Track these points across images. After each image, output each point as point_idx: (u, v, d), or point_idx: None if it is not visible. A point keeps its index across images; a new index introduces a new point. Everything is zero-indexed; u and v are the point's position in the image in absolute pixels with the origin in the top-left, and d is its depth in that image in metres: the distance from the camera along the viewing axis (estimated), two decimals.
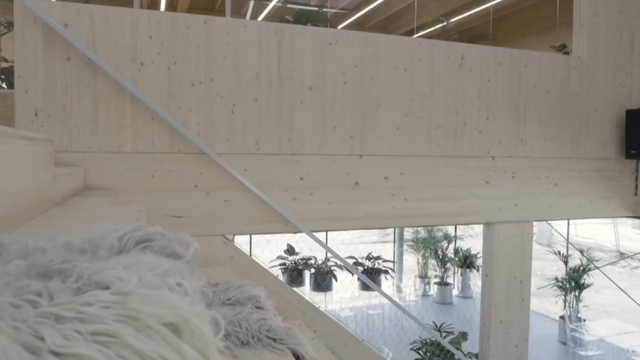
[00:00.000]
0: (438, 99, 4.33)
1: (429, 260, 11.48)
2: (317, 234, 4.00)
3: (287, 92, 3.83)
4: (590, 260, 8.91)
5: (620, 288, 8.68)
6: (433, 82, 4.30)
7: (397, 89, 4.17)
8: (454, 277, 11.88)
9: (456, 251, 11.56)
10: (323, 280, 9.21)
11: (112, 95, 3.40)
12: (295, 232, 4.03)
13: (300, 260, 9.56)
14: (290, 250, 9.57)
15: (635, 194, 5.27)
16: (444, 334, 6.10)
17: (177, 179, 3.57)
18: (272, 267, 9.76)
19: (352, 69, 4.02)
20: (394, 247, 11.66)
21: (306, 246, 9.71)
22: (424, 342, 5.93)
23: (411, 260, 12.26)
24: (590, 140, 5.02)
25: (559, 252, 9.46)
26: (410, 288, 11.33)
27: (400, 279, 11.02)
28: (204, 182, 3.63)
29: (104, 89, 3.37)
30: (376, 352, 4.35)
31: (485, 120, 4.52)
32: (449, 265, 11.33)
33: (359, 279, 9.21)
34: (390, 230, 13.71)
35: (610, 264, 10.02)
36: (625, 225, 20.78)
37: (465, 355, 5.13)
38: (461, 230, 19.38)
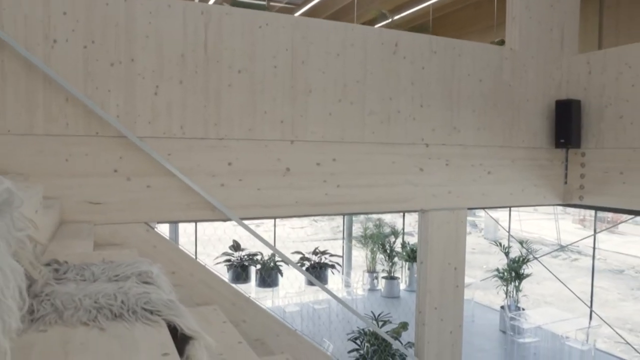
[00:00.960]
0: (372, 85, 4.30)
1: (377, 255, 11.55)
2: (274, 234, 3.89)
3: (214, 75, 3.71)
4: (529, 251, 9.15)
5: (557, 278, 8.95)
6: (366, 68, 4.27)
7: (330, 74, 4.11)
8: (402, 272, 11.99)
9: (403, 245, 11.66)
10: (269, 276, 9.09)
11: (22, 74, 3.19)
12: (224, 220, 3.91)
13: (245, 256, 9.40)
14: (236, 246, 9.40)
15: (565, 183, 5.41)
16: (381, 323, 6.10)
17: (94, 164, 3.39)
18: (217, 263, 9.58)
19: (283, 53, 3.93)
20: (343, 242, 11.66)
21: (257, 242, 9.57)
22: (361, 331, 5.92)
23: (361, 256, 12.30)
24: (522, 129, 5.12)
25: (500, 244, 9.68)
26: (358, 283, 11.37)
27: (348, 274, 11.02)
28: (124, 166, 3.47)
29: (12, 67, 3.16)
30: (309, 342, 4.28)
31: (419, 107, 4.53)
32: (396, 259, 11.41)
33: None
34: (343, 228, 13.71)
35: (547, 254, 10.33)
36: (567, 221, 21.68)
37: (402, 345, 5.13)
38: (412, 226, 19.67)
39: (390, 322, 6.14)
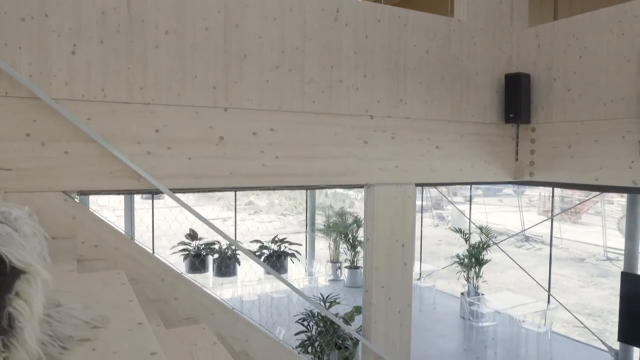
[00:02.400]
0: (311, 53, 4.12)
1: (340, 245, 11.41)
2: (234, 227, 3.67)
3: (138, 35, 3.48)
4: (488, 236, 9.12)
5: (514, 261, 8.93)
6: (306, 35, 4.09)
7: (266, 40, 3.92)
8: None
9: None
10: (226, 265, 8.86)
11: None
12: (151, 191, 3.69)
13: (202, 246, 9.15)
14: (193, 235, 9.14)
15: (516, 159, 5.33)
16: (328, 304, 5.94)
17: (4, 126, 3.13)
18: (173, 253, 9.31)
19: (215, 15, 3.73)
20: (306, 232, 11.49)
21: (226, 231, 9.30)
22: (309, 313, 5.75)
23: (325, 247, 12.15)
24: (471, 104, 5.01)
25: (461, 230, 9.64)
26: (320, 273, 11.21)
27: (311, 264, 10.85)
28: (38, 130, 3.22)
29: None
30: (248, 321, 4.09)
31: (362, 77, 4.37)
32: (359, 249, 11.29)
33: (265, 263, 8.92)
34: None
35: (507, 239, 10.35)
36: (532, 212, 22.01)
37: (350, 326, 4.97)
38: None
39: (338, 303, 6.00)
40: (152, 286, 3.61)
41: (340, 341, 5.61)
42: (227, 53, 3.78)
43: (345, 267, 11.30)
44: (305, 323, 5.67)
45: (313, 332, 5.60)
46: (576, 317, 8.55)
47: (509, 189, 29.44)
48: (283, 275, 8.80)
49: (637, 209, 6.86)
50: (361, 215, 12.17)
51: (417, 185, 4.94)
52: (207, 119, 3.74)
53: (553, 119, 4.95)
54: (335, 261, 11.60)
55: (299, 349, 5.47)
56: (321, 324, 5.57)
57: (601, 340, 7.85)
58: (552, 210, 9.49)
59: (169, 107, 3.61)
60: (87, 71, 3.34)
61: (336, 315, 5.32)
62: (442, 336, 8.21)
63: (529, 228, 11.13)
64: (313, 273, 10.39)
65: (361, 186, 4.59)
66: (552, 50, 4.95)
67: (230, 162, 3.83)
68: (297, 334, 5.80)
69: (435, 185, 5.17)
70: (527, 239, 17.58)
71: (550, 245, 9.17)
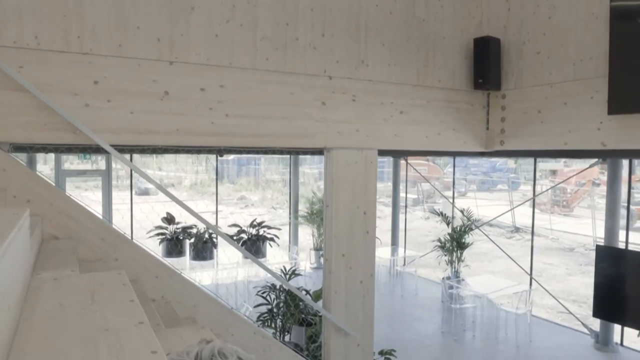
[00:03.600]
0: (265, 8, 3.95)
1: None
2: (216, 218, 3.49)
3: None
4: (469, 219, 8.95)
5: (495, 243, 8.77)
6: None
7: None
8: None
9: None
10: (203, 249, 8.68)
11: None
12: (89, 146, 3.52)
13: (180, 230, 8.97)
14: (170, 219, 8.96)
15: (487, 129, 5.16)
16: (291, 278, 5.78)
17: None
18: (150, 237, 9.14)
19: None
20: (289, 219, 11.32)
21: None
22: (271, 286, 5.57)
23: (310, 234, 11.98)
24: (438, 68, 4.84)
25: (442, 213, 9.47)
26: (303, 261, 11.05)
27: (294, 251, 10.67)
28: None
29: None
30: (194, 285, 3.92)
31: (320, 36, 4.20)
32: None
33: (243, 247, 8.74)
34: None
35: (487, 223, 10.17)
36: (525, 206, 21.85)
37: (312, 297, 4.80)
38: None
39: (299, 274, 5.83)
40: (90, 245, 3.43)
41: (303, 316, 5.43)
42: (173, 4, 3.61)
43: None
44: (267, 296, 5.49)
45: (274, 306, 5.42)
46: (559, 302, 8.38)
47: (503, 184, 29.31)
48: (261, 260, 8.63)
49: (617, 186, 6.70)
50: None
51: (381, 152, 4.78)
52: (151, 73, 3.56)
53: (523, 84, 4.78)
54: (318, 249, 11.42)
55: (259, 323, 5.29)
56: (282, 297, 5.39)
57: (581, 322, 7.68)
58: (534, 199, 9.29)
59: (110, 59, 3.44)
60: (18, 16, 3.17)
61: (299, 289, 5.14)
62: (420, 320, 8.03)
63: (503, 214, 10.92)
64: (296, 259, 10.21)
65: (321, 151, 4.42)
66: (522, 13, 4.78)
67: (176, 119, 3.66)
68: (256, 306, 5.62)
69: (400, 154, 4.99)
70: (517, 230, 17.43)
71: (532, 230, 9.02)
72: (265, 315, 5.39)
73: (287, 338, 5.60)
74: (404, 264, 10.41)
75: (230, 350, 2.07)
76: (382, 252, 10.62)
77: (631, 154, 4.35)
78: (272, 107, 4.01)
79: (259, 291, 5.67)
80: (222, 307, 3.97)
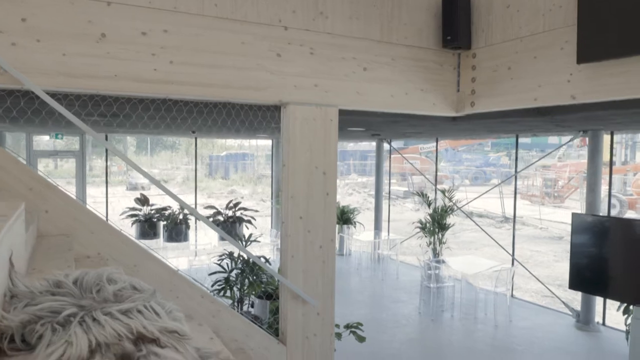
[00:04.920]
0: None
1: None
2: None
3: None
4: (451, 200, 8.73)
5: (478, 225, 8.55)
6: None
7: None
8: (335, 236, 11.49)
9: None
10: (177, 230, 8.44)
11: None
12: (16, 87, 3.28)
13: (154, 211, 8.73)
14: (143, 200, 8.72)
15: (458, 91, 4.93)
16: (249, 244, 5.55)
17: None
18: (123, 219, 8.90)
19: None
20: (271, 203, 11.09)
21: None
22: (228, 254, 5.33)
23: None
24: (404, 24, 4.60)
25: (423, 194, 9.24)
26: None
27: (275, 234, 10.43)
28: None
29: None
30: (135, 243, 3.68)
31: None
32: None
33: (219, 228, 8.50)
34: None
35: (470, 202, 9.94)
36: (512, 197, 21.70)
37: (270, 265, 4.55)
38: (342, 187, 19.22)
39: (257, 241, 5.59)
40: (15, 195, 3.19)
41: (265, 287, 5.19)
42: None
43: None
44: (224, 264, 5.25)
45: (229, 273, 5.17)
46: (542, 282, 8.17)
47: (496, 179, 29.16)
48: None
49: (598, 159, 6.48)
50: None
51: (345, 112, 4.55)
52: (86, 12, 3.32)
53: (493, 41, 4.55)
54: None
55: (214, 292, 5.04)
56: (240, 265, 5.15)
57: (563, 302, 7.47)
58: (515, 188, 9.08)
59: None
60: None
61: (259, 257, 4.90)
62: (399, 302, 7.81)
63: (476, 198, 10.68)
64: (276, 242, 9.96)
65: (276, 106, 4.19)
66: None
67: (115, 63, 3.42)
68: (211, 274, 5.38)
69: (364, 114, 4.75)
70: (506, 220, 17.29)
71: (515, 210, 8.81)
72: (221, 282, 5.14)
73: (251, 311, 5.37)
74: (389, 249, 10.19)
75: (123, 279, 1.83)
76: (365, 236, 10.41)
77: (600, 107, 4.12)
78: (221, 57, 3.77)
79: (216, 261, 5.43)
80: (166, 268, 3.74)
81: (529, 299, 8.39)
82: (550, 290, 8.07)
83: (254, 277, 5.06)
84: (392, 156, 29.02)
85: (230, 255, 5.29)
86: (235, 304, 5.16)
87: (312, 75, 4.15)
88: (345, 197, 20.16)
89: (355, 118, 4.92)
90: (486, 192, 9.30)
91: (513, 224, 8.88)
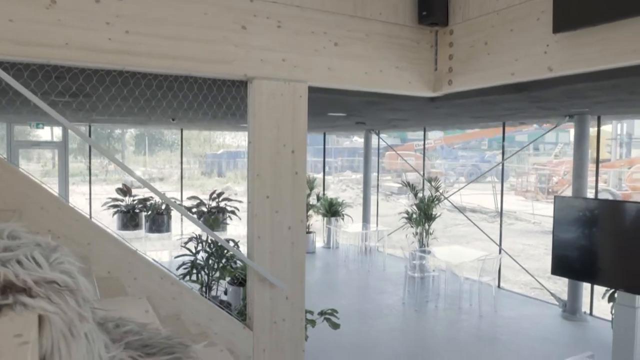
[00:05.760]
0: None
1: None
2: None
3: None
4: (437, 190, 8.56)
5: (465, 216, 8.39)
6: None
7: None
8: (323, 229, 11.36)
9: (318, 197, 10.99)
10: (159, 221, 8.28)
11: None
12: None
13: (136, 202, 8.56)
14: (125, 191, 8.55)
15: (436, 69, 4.77)
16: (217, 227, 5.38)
17: None
18: (104, 209, 8.73)
19: None
20: None
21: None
22: (196, 237, 5.16)
23: None
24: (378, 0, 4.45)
25: (409, 184, 9.08)
26: None
27: None
28: None
29: None
30: (88, 220, 3.52)
31: None
32: (311, 212, 10.74)
33: (201, 220, 8.34)
34: None
35: (456, 192, 9.78)
36: (511, 195, 21.72)
37: (238, 248, 4.38)
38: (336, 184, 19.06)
39: (227, 224, 5.43)
40: None
41: (238, 272, 5.03)
42: None
43: None
44: (192, 247, 5.08)
45: (196, 256, 5.00)
46: (529, 273, 8.02)
47: (492, 176, 29.04)
48: (223, 233, 8.22)
49: (584, 144, 6.32)
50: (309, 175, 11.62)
51: (315, 88, 4.39)
52: None
53: (470, 16, 4.39)
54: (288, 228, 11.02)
55: (180, 276, 4.87)
56: (208, 249, 4.98)
57: (550, 292, 7.31)
58: (502, 180, 8.93)
59: None
60: None
61: (227, 241, 4.73)
62: (383, 292, 7.64)
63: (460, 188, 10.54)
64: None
65: (242, 81, 4.02)
66: None
67: (66, 31, 3.25)
68: (177, 257, 5.20)
69: (338, 92, 4.58)
70: (499, 215, 17.13)
71: (502, 198, 8.67)
72: (187, 265, 4.97)
73: (225, 298, 5.20)
74: (377, 240, 10.05)
75: (31, 237, 1.68)
76: (353, 228, 10.27)
77: (578, 79, 3.96)
78: (182, 28, 3.60)
79: (182, 244, 5.26)
80: (122, 247, 3.57)
81: (517, 291, 8.22)
82: (537, 281, 7.91)
83: (225, 262, 4.89)
84: (387, 153, 28.84)
85: (198, 238, 5.12)
86: (203, 289, 5.00)
87: (280, 49, 3.99)
88: (338, 192, 19.98)
89: (330, 97, 4.76)
90: (470, 182, 9.12)
91: (500, 215, 8.73)
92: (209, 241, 5.03)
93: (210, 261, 4.85)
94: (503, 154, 8.86)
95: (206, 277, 4.93)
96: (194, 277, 4.90)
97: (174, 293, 3.73)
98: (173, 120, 7.85)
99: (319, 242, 11.19)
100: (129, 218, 8.45)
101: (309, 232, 10.58)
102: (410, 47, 4.66)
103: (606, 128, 26.67)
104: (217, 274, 4.97)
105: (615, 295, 5.11)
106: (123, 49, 3.43)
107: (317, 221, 11.52)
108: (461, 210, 10.71)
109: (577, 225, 4.89)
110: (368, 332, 5.97)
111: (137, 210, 8.54)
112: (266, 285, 4.07)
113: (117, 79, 3.73)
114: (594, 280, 4.92)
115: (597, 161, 7.00)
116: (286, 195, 4.11)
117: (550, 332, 6.06)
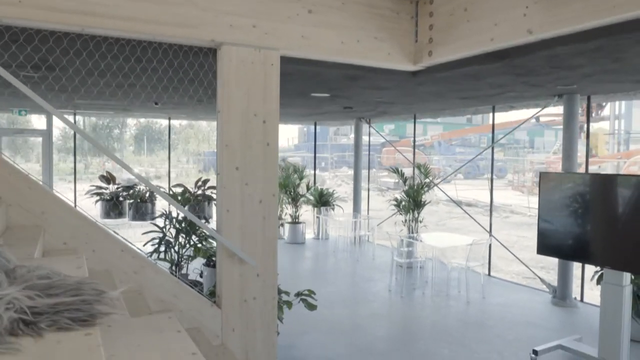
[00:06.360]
0: None
1: (283, 201, 10.70)
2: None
3: None
4: (427, 176, 8.38)
5: (468, 213, 8.23)
6: None
7: None
8: (313, 220, 11.20)
9: (308, 186, 10.82)
10: (143, 209, 8.11)
11: None
12: None
13: (119, 190, 8.39)
14: (108, 178, 8.38)
15: (416, 41, 4.60)
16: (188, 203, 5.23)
17: None
18: (87, 197, 8.56)
19: None
20: None
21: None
22: (165, 213, 4.99)
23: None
24: None
25: (398, 170, 8.90)
26: None
27: None
28: None
29: None
30: (45, 189, 3.35)
31: None
32: (300, 202, 10.59)
33: (186, 208, 8.16)
34: None
35: (447, 177, 9.58)
36: (508, 190, 21.68)
37: (208, 223, 4.21)
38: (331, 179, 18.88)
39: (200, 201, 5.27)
40: None
41: (213, 251, 4.86)
42: None
43: (287, 222, 10.56)
44: (161, 227, 4.91)
45: (166, 234, 4.84)
46: (521, 260, 7.85)
47: (489, 174, 28.95)
48: (208, 221, 8.04)
49: (574, 124, 6.14)
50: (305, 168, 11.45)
51: (289, 59, 4.22)
52: None
53: None
54: (278, 218, 10.88)
55: (149, 254, 4.69)
56: (178, 225, 4.81)
57: (540, 278, 7.13)
58: (492, 177, 8.76)
59: None
60: None
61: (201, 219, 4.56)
62: (370, 280, 7.47)
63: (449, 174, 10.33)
64: None
65: (210, 47, 3.86)
66: None
67: None
68: (145, 233, 5.03)
69: (314, 63, 4.41)
70: (495, 208, 17.05)
71: (491, 187, 8.50)
72: (155, 241, 4.79)
73: (200, 280, 5.03)
74: (368, 229, 9.90)
75: None
76: (344, 217, 10.15)
77: (559, 42, 3.78)
78: None
79: (152, 222, 5.10)
80: (80, 217, 3.40)
81: (509, 280, 8.05)
82: (528, 268, 7.74)
83: (198, 240, 4.72)
84: (385, 149, 28.61)
85: (168, 214, 4.95)
86: (174, 268, 4.83)
87: (250, 14, 3.82)
88: (334, 187, 19.87)
89: (306, 69, 4.59)
90: (460, 168, 8.93)
91: (490, 201, 8.56)
92: (180, 218, 4.86)
93: (181, 239, 4.69)
94: (493, 137, 8.66)
95: (176, 256, 4.77)
96: (165, 257, 4.74)
97: (136, 267, 3.56)
98: (156, 104, 7.68)
99: (309, 234, 11.03)
100: (112, 206, 8.30)
101: (298, 223, 10.43)
102: (390, 17, 4.49)
103: (604, 125, 26.55)
104: (188, 252, 4.81)
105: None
106: (80, 9, 3.26)
107: (307, 211, 11.37)
108: (458, 204, 10.54)
109: (563, 202, 4.72)
110: (349, 317, 5.80)
111: (122, 198, 8.38)
112: (235, 261, 3.90)
113: (76, 42, 3.56)
114: (580, 258, 4.75)
115: (587, 138, 6.84)
116: (257, 167, 3.94)
117: (538, 318, 5.88)
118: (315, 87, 5.86)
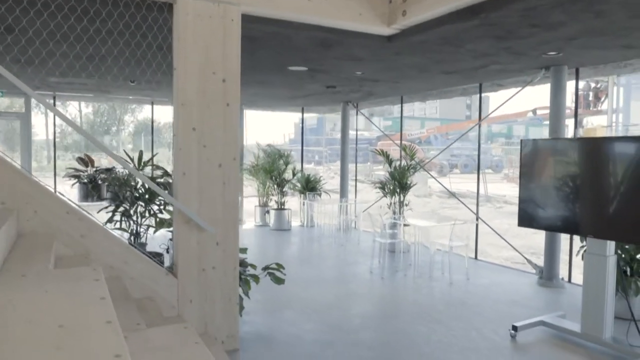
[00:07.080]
0: None
1: (269, 188, 10.48)
2: None
3: None
4: (413, 157, 8.15)
5: (446, 188, 8.02)
6: None
7: None
8: (300, 208, 10.99)
9: (294, 172, 10.59)
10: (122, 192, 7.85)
11: None
12: None
13: (97, 173, 8.17)
14: (86, 161, 8.15)
15: (390, 1, 4.37)
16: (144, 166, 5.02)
17: None
18: (66, 180, 8.35)
19: None
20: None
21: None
22: (122, 180, 4.78)
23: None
24: None
25: (384, 152, 8.67)
26: (250, 218, 10.29)
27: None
28: None
29: None
30: (4, 161, 3.12)
31: None
32: (286, 188, 10.36)
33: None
34: None
35: (432, 159, 9.37)
36: (503, 183, 21.51)
37: (167, 192, 3.99)
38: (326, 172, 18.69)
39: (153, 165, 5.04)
40: None
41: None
42: None
43: (273, 209, 10.32)
44: (117, 191, 4.69)
45: (122, 198, 4.62)
46: (510, 244, 7.63)
47: (487, 168, 28.81)
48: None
49: (561, 99, 5.91)
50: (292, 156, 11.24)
51: (253, 18, 4.00)
52: None
53: None
54: (264, 205, 10.65)
55: (105, 223, 4.46)
56: (136, 193, 4.59)
57: (526, 259, 6.91)
58: (479, 168, 8.50)
59: None
60: None
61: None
62: (353, 264, 7.26)
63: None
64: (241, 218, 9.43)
65: (165, 1, 3.63)
66: None
67: None
68: (102, 199, 4.81)
69: (280, 24, 4.18)
70: (489, 199, 16.86)
71: (478, 176, 8.28)
72: (110, 206, 4.56)
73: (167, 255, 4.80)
74: (355, 215, 9.69)
75: None
76: (330, 203, 9.94)
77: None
78: None
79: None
80: (21, 175, 3.16)
81: (496, 263, 7.83)
82: (517, 251, 7.51)
83: (158, 210, 4.50)
84: (380, 142, 28.40)
85: (124, 181, 4.71)
86: (131, 238, 4.61)
87: None
88: (328, 180, 19.68)
89: (272, 29, 4.34)
90: (447, 147, 8.69)
91: (477, 184, 8.34)
92: (138, 187, 4.65)
93: (140, 208, 4.47)
94: (480, 115, 8.40)
95: (135, 226, 4.55)
96: (121, 227, 4.52)
97: (82, 230, 3.33)
98: (132, 82, 7.46)
99: (296, 222, 10.80)
100: (90, 189, 8.07)
101: (283, 209, 10.19)
102: None
103: (602, 119, 26.27)
104: (148, 222, 4.60)
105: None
106: None
107: (293, 196, 11.14)
108: (450, 192, 10.34)
109: (544, 170, 4.50)
110: (324, 296, 5.58)
111: (100, 181, 8.16)
112: (193, 227, 3.68)
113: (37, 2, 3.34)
114: (562, 229, 4.52)
115: (576, 114, 6.60)
116: (216, 128, 3.71)
117: (522, 297, 5.66)
118: (289, 57, 5.62)
